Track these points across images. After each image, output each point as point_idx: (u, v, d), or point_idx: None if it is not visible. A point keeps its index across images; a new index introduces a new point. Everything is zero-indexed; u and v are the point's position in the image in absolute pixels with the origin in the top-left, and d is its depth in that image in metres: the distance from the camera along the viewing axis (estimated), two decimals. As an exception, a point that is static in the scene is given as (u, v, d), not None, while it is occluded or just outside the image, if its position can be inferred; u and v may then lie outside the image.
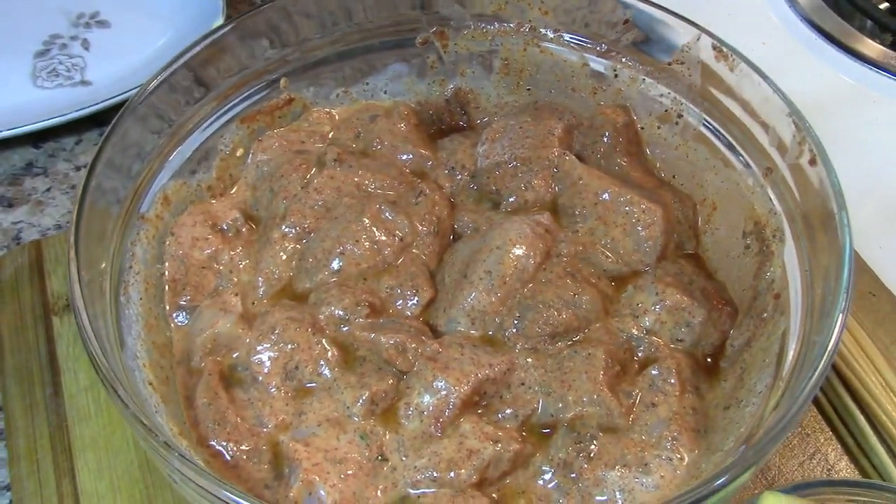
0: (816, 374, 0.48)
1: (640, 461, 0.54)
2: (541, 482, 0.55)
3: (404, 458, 0.54)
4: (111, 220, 0.59)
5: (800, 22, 0.92)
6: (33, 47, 0.97)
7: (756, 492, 0.57)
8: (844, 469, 0.63)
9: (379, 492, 0.53)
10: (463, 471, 0.53)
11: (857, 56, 0.88)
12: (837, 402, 0.65)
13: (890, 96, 0.85)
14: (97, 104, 0.85)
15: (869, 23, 0.92)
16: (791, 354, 0.54)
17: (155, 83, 0.62)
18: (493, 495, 0.54)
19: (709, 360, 0.61)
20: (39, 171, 0.87)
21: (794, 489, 0.54)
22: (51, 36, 0.99)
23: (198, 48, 0.64)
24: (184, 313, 0.62)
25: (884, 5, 0.93)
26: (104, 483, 0.63)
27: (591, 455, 0.54)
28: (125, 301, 0.58)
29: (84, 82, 0.94)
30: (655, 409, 0.56)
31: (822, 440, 0.64)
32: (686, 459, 0.54)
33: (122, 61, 0.94)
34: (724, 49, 0.63)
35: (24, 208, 0.84)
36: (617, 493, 0.53)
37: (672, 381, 0.57)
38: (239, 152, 0.70)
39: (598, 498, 0.53)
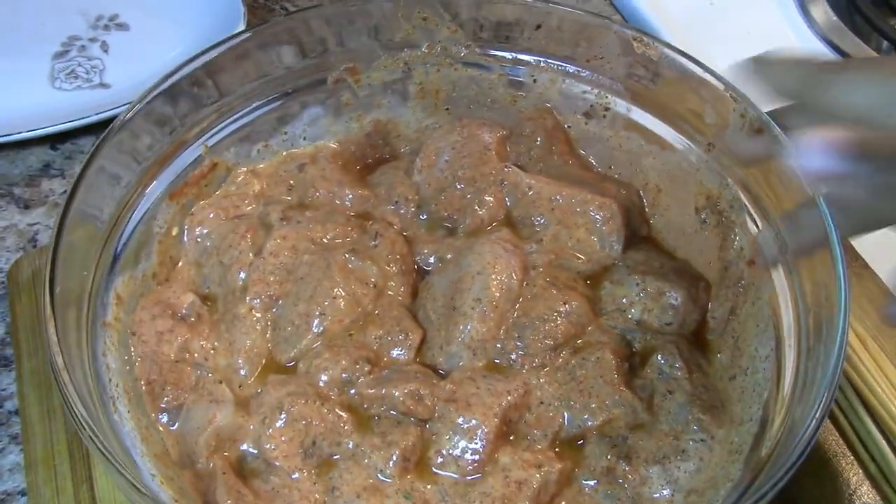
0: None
1: (677, 449, 0.55)
2: (589, 495, 0.55)
3: (453, 509, 0.53)
4: (75, 332, 0.54)
5: (818, 41, 0.96)
6: (52, 49, 0.97)
7: None
8: (866, 494, 0.63)
9: (444, 549, 0.52)
10: (519, 502, 0.53)
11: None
12: (859, 426, 0.66)
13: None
14: (116, 108, 0.86)
15: (885, 43, 0.96)
16: (785, 316, 0.57)
17: (88, 170, 0.57)
18: (552, 525, 0.54)
19: (695, 337, 0.63)
20: (56, 174, 0.88)
21: None
22: (69, 38, 0.98)
23: (119, 125, 0.60)
24: (169, 415, 0.58)
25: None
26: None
27: (630, 455, 0.55)
28: (119, 419, 0.53)
29: (103, 85, 0.93)
30: (673, 397, 0.58)
31: (843, 465, 0.65)
32: (716, 436, 0.56)
33: (140, 64, 0.93)
34: (645, 39, 0.65)
35: (41, 210, 0.85)
36: (664, 486, 0.54)
37: (678, 364, 0.59)
38: (174, 231, 0.65)
39: (647, 496, 0.54)
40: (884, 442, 0.64)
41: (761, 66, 0.52)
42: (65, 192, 0.86)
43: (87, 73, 0.95)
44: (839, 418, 0.66)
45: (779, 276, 0.58)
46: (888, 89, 0.47)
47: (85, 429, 0.47)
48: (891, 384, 0.68)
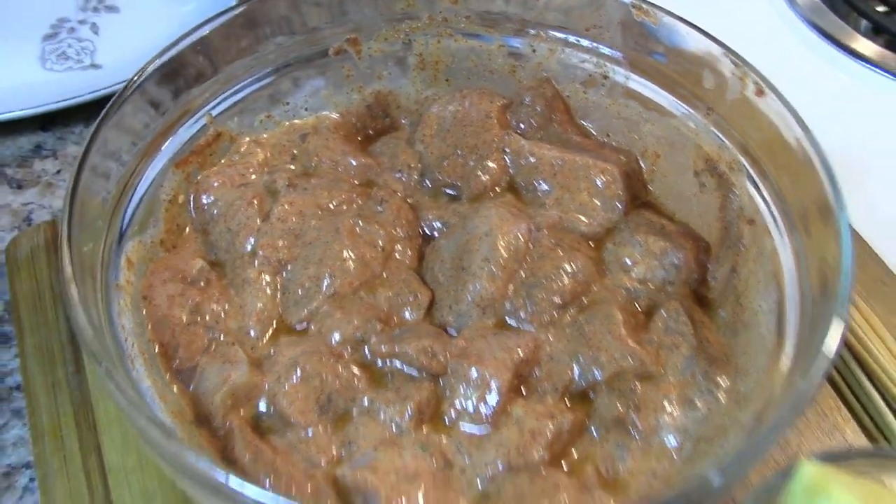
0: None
1: (685, 399, 0.56)
2: (600, 444, 0.56)
3: (469, 459, 0.54)
4: (92, 294, 0.54)
5: (800, 22, 0.98)
6: (42, 31, 0.98)
7: (779, 467, 0.57)
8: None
9: (461, 498, 0.52)
10: (534, 452, 0.54)
11: (855, 55, 0.94)
12: (855, 384, 0.68)
13: (885, 94, 0.91)
14: (107, 88, 0.86)
15: (865, 23, 0.98)
16: (787, 272, 0.58)
17: (94, 144, 0.58)
18: (565, 470, 0.55)
19: (697, 295, 0.65)
20: (48, 154, 0.89)
21: (828, 458, 0.52)
22: (59, 19, 0.99)
23: (122, 99, 0.60)
24: (183, 376, 0.58)
25: (881, 8, 0.99)
26: (131, 458, 0.63)
27: (639, 406, 0.56)
28: (137, 377, 0.53)
29: (94, 66, 0.93)
30: (679, 350, 0.59)
31: (839, 420, 0.66)
32: (723, 386, 0.57)
33: (131, 45, 0.94)
34: (644, 6, 0.66)
35: (34, 190, 0.86)
36: (672, 434, 0.55)
37: (683, 319, 0.60)
38: (181, 199, 0.66)
39: (657, 444, 0.55)
40: (880, 399, 0.66)
41: None
42: (58, 171, 0.88)
43: (78, 54, 0.95)
44: (835, 376, 0.68)
45: (779, 234, 0.60)
46: None
47: (110, 381, 0.47)
48: (884, 345, 0.70)
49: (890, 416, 0.65)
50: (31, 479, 0.66)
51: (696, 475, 0.48)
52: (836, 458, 0.54)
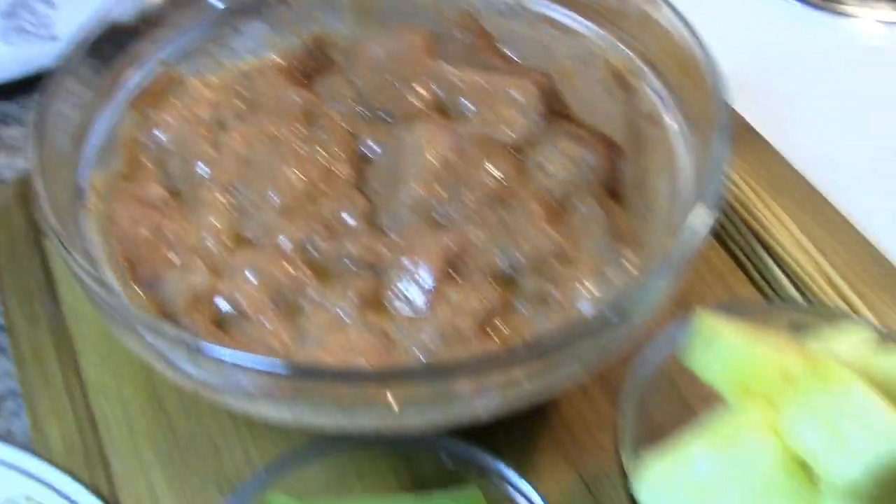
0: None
1: (599, 274, 0.64)
2: (525, 318, 0.63)
3: (408, 336, 0.61)
4: (63, 213, 0.60)
5: None
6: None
7: (676, 319, 0.62)
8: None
9: (400, 361, 0.59)
10: (466, 327, 0.60)
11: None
12: (752, 254, 0.77)
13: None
14: None
15: None
16: (681, 159, 0.66)
17: (53, 87, 0.64)
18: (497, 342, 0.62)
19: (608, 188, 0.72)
20: (14, 122, 0.94)
21: (726, 309, 0.60)
22: None
23: (75, 50, 0.67)
24: (148, 285, 0.65)
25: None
26: (108, 374, 0.71)
27: (559, 283, 0.63)
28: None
29: (53, 38, 0.97)
30: (592, 234, 0.66)
31: (733, 280, 0.76)
32: (633, 261, 0.64)
33: (87, 16, 0.94)
34: (553, -64, 0.73)
35: (2, 155, 0.91)
36: (587, 304, 0.62)
37: (596, 209, 0.67)
38: (138, 136, 0.72)
39: (575, 309, 0.62)
40: (776, 266, 0.76)
41: None
42: (23, 138, 0.92)
43: (37, 28, 0.99)
44: (733, 248, 0.78)
45: (676, 129, 0.68)
46: None
47: (84, 274, 0.53)
48: (784, 227, 0.79)
49: (785, 279, 0.74)
50: (20, 406, 0.72)
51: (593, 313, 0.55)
52: (729, 309, 0.61)
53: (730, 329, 0.58)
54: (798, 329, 0.61)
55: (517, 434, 0.67)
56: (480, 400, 0.54)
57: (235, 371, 0.51)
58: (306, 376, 0.51)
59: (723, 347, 0.57)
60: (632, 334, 0.56)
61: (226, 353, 0.50)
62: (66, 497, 0.64)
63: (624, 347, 0.57)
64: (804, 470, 0.51)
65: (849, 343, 0.57)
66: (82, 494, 0.65)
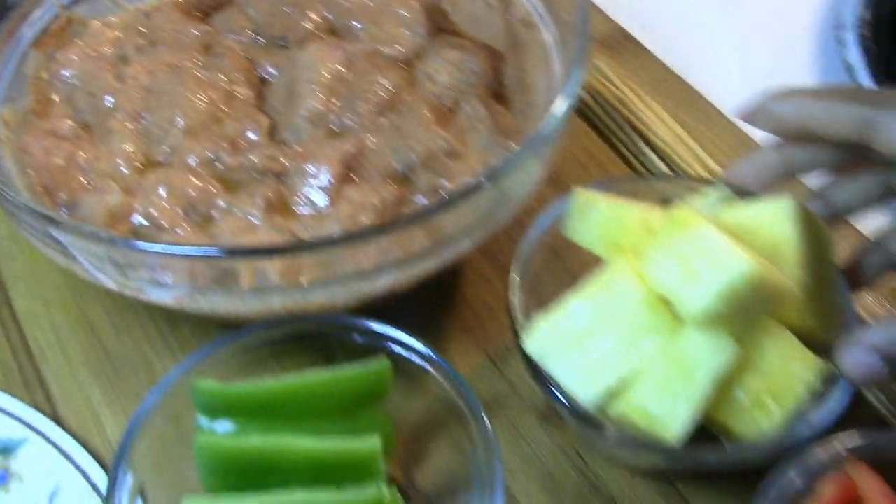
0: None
1: (486, 165, 0.70)
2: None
3: (314, 233, 0.66)
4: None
5: None
6: None
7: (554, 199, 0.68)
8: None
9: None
10: (367, 221, 0.66)
11: None
12: (630, 144, 0.84)
13: None
14: None
15: None
16: (554, 57, 0.72)
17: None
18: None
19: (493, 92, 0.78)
20: None
21: (601, 186, 0.67)
22: None
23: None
24: (66, 208, 0.69)
25: None
26: (38, 303, 0.76)
27: (450, 177, 0.69)
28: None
29: None
30: (479, 132, 0.72)
31: (613, 167, 0.83)
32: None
33: None
34: None
35: None
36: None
37: (481, 109, 0.73)
38: (44, 75, 0.76)
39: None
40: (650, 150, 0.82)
41: (789, 102, 0.59)
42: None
43: None
44: (619, 147, 0.85)
45: (547, 30, 0.74)
46: None
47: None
48: (663, 122, 0.86)
49: (658, 160, 0.81)
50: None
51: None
52: (604, 185, 0.68)
53: (602, 199, 0.64)
54: (666, 198, 0.67)
55: (425, 319, 0.74)
56: (380, 275, 0.60)
57: (158, 261, 0.56)
58: (226, 255, 0.56)
59: (596, 214, 0.64)
60: (510, 207, 0.62)
61: (153, 246, 0.55)
62: (10, 414, 0.68)
63: (505, 218, 0.63)
64: (666, 306, 0.58)
65: (706, 202, 0.64)
66: (27, 412, 0.69)
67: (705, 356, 0.56)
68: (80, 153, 0.71)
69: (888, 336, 0.56)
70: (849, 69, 0.89)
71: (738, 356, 0.56)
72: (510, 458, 0.68)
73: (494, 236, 0.68)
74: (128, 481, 0.57)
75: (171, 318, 0.75)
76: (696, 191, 0.67)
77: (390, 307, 0.64)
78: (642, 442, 0.59)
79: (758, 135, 0.84)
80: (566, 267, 0.67)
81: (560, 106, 0.63)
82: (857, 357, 0.56)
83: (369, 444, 0.57)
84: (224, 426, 0.60)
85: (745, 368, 0.58)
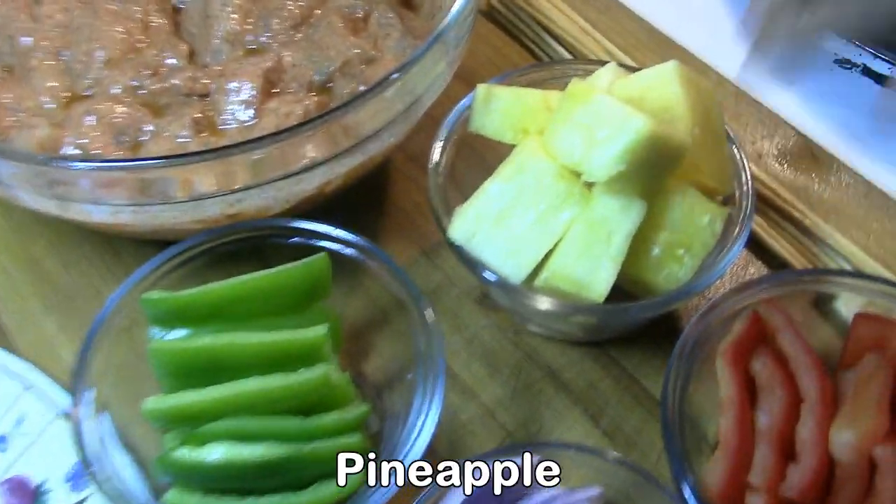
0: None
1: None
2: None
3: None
4: None
5: None
6: None
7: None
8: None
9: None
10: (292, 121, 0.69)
11: None
12: (539, 41, 0.89)
13: None
14: None
15: None
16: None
17: None
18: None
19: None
20: None
21: (503, 77, 0.71)
22: None
23: None
24: (-4, 148, 0.71)
25: None
26: None
27: (366, 81, 0.72)
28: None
29: None
30: (391, 36, 0.75)
31: (515, 56, 0.87)
32: (427, 52, 0.74)
33: None
34: None
35: None
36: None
37: (391, 15, 0.76)
38: (-40, 23, 0.77)
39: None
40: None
41: None
42: None
43: None
44: (529, 46, 0.89)
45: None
46: None
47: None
48: (566, 16, 0.89)
49: (562, 49, 0.85)
50: None
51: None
52: (505, 77, 0.72)
53: (503, 90, 0.68)
54: (566, 82, 0.71)
55: (359, 223, 0.76)
56: (309, 173, 0.63)
57: (92, 176, 0.58)
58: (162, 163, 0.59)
59: (498, 104, 0.67)
60: (423, 101, 0.66)
61: (86, 164, 0.58)
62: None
63: (420, 112, 0.67)
64: (577, 177, 0.62)
65: (602, 78, 0.68)
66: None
67: (617, 216, 0.61)
68: (5, 94, 0.73)
69: None
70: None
71: (646, 212, 0.61)
72: (452, 340, 0.72)
73: (416, 138, 0.72)
74: (90, 397, 0.60)
75: (113, 248, 0.77)
76: (593, 72, 0.71)
77: (324, 212, 0.67)
78: (571, 306, 0.64)
79: (658, 21, 0.89)
80: (484, 161, 0.71)
81: (459, 2, 0.66)
82: None
83: (315, 331, 0.61)
84: (177, 336, 0.64)
85: (657, 226, 0.63)
